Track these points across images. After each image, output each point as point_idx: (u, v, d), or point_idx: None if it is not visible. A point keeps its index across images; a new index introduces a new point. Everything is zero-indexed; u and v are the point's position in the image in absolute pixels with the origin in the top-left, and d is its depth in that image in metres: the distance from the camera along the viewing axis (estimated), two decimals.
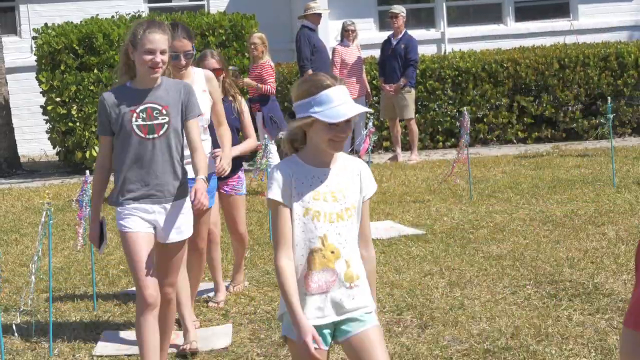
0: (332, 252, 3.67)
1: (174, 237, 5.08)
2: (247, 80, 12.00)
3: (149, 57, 4.92)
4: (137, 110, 4.97)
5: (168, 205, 5.03)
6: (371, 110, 3.30)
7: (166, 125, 4.98)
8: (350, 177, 3.77)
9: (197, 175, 4.98)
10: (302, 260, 3.67)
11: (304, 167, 3.72)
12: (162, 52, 4.94)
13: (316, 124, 3.64)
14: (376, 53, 14.80)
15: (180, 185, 5.07)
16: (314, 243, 3.67)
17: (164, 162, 5.00)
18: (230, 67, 13.19)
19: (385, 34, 14.89)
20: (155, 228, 5.03)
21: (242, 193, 7.18)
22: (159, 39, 4.94)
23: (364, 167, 3.83)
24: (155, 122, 4.97)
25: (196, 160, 5.05)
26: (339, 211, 3.70)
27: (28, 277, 6.00)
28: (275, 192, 3.65)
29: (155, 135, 4.97)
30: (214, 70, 6.53)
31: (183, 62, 5.87)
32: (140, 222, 5.00)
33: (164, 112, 4.99)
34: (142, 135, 4.96)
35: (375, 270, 3.94)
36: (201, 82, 6.07)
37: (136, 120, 4.96)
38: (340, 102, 3.63)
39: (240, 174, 7.18)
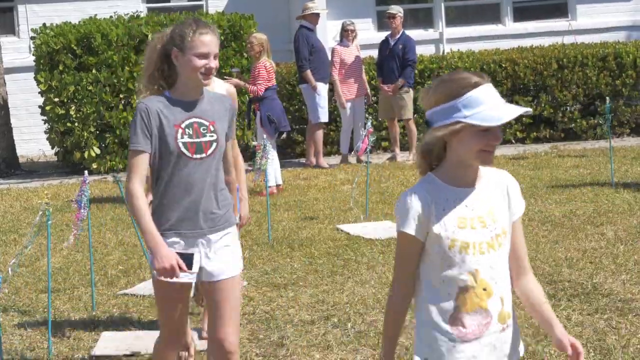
0: (485, 290, 3.11)
1: (223, 273, 4.38)
2: (233, 80, 12.00)
3: (202, 61, 4.25)
4: (183, 126, 4.28)
5: (213, 237, 4.36)
6: (530, 110, 3.23)
7: (215, 144, 4.33)
8: (497, 195, 3.18)
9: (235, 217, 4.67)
10: (449, 301, 3.11)
11: (445, 188, 3.11)
12: (215, 57, 4.31)
13: (464, 131, 3.03)
14: (375, 53, 14.79)
15: (227, 212, 4.43)
16: (464, 280, 3.09)
17: (210, 185, 4.34)
18: (233, 69, 13.21)
19: (383, 34, 14.89)
20: (200, 267, 4.37)
21: None
22: (210, 41, 4.28)
23: (511, 181, 3.24)
24: (203, 139, 4.30)
25: (232, 187, 4.66)
26: (489, 239, 3.13)
27: (9, 269, 5.98)
28: (410, 225, 3.08)
29: (203, 155, 4.30)
30: None
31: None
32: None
33: (212, 128, 4.33)
34: (189, 154, 4.27)
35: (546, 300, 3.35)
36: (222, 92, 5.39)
37: (182, 137, 4.27)
38: (493, 103, 3.05)
39: None
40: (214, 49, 4.30)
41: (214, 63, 4.30)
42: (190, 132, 4.28)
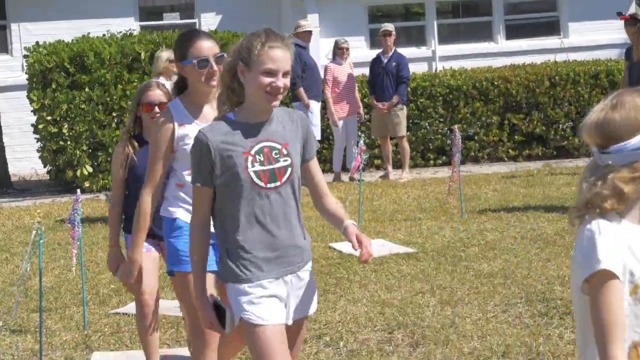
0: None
1: (300, 313, 3.94)
2: None
3: (268, 79, 3.72)
4: (252, 152, 3.76)
5: (302, 274, 3.90)
6: None
7: (290, 169, 3.81)
8: None
9: (347, 220, 4.00)
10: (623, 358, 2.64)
11: (628, 226, 2.68)
12: (285, 75, 3.76)
13: None
14: (367, 71, 14.83)
15: (309, 243, 3.98)
16: (639, 333, 2.66)
17: (291, 216, 3.84)
18: None
19: (376, 52, 14.93)
20: (286, 305, 3.86)
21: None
22: (281, 57, 3.75)
23: None
24: (277, 165, 3.79)
25: (334, 206, 4.02)
26: None
27: (17, 295, 5.97)
28: (610, 261, 2.56)
29: (278, 183, 3.79)
30: (159, 104, 5.37)
31: (215, 67, 4.60)
32: (276, 306, 3.79)
33: (285, 151, 3.82)
34: (262, 184, 3.75)
35: None
36: None
37: (252, 165, 3.75)
38: None
39: None
40: (284, 66, 3.75)
41: (282, 82, 3.74)
42: (262, 159, 3.77)
